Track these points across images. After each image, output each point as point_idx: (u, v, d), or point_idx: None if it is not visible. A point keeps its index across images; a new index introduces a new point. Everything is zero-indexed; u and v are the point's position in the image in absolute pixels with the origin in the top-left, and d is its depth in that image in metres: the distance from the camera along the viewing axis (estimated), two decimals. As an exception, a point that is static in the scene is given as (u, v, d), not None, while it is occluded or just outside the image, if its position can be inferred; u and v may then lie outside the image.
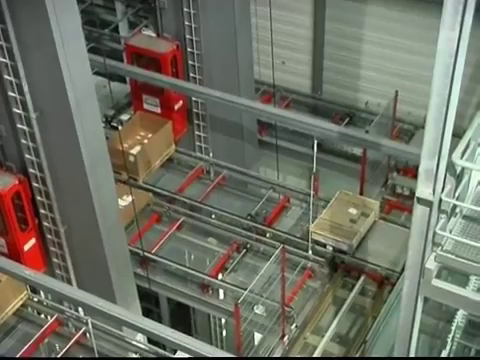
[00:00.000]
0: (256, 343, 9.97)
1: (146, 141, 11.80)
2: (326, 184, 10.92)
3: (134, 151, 11.49)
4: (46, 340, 9.24)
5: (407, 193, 10.70)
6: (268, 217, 10.90)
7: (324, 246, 9.96)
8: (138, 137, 11.94)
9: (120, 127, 11.94)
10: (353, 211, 10.18)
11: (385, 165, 11.17)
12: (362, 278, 9.78)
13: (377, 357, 8.91)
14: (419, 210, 5.44)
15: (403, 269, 8.88)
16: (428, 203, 5.34)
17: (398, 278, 9.34)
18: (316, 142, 9.64)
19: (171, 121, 11.71)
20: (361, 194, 10.47)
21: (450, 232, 5.58)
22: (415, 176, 10.35)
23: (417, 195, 5.35)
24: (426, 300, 6.05)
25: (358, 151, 11.19)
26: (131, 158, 11.22)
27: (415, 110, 11.75)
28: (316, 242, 9.99)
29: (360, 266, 9.83)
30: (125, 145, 11.50)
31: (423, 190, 5.31)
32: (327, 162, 11.72)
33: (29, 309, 9.49)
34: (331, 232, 9.94)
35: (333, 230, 9.93)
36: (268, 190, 11.38)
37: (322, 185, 10.63)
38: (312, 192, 9.87)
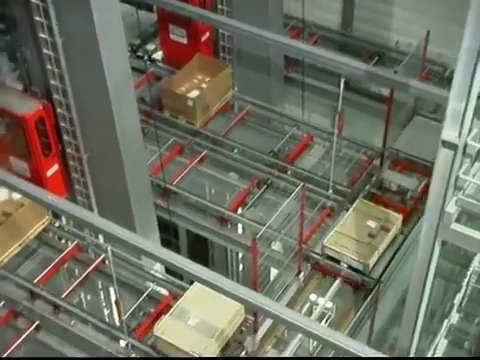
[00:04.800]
0: (272, 278, 10.09)
1: (205, 85, 11.50)
2: (351, 124, 10.79)
3: (192, 95, 11.21)
4: (66, 265, 9.42)
5: (394, 188, 9.98)
6: (290, 154, 10.86)
7: (338, 262, 9.00)
8: (196, 81, 11.64)
9: (145, 57, 11.82)
10: (372, 224, 9.14)
11: (411, 107, 11.01)
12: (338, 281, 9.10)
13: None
14: (443, 153, 5.38)
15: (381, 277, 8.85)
16: (453, 146, 5.27)
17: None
18: (343, 80, 9.47)
19: (227, 65, 11.47)
20: (385, 135, 10.29)
21: (473, 177, 5.52)
22: (405, 169, 9.85)
23: (442, 138, 5.29)
24: (444, 244, 6.05)
25: (385, 91, 11.00)
26: (190, 102, 11.02)
27: (446, 51, 11.48)
28: (329, 257, 9.07)
29: (336, 270, 9.11)
30: (182, 88, 11.38)
31: (449, 133, 5.23)
32: (353, 101, 11.53)
33: (50, 234, 9.64)
34: (346, 248, 8.93)
35: (349, 246, 8.94)
36: (292, 127, 11.29)
37: (347, 124, 10.50)
38: (336, 131, 9.76)
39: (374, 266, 8.90)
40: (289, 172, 10.49)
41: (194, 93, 11.32)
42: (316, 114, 12.80)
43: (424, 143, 10.25)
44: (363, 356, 6.28)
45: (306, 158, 10.97)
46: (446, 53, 11.55)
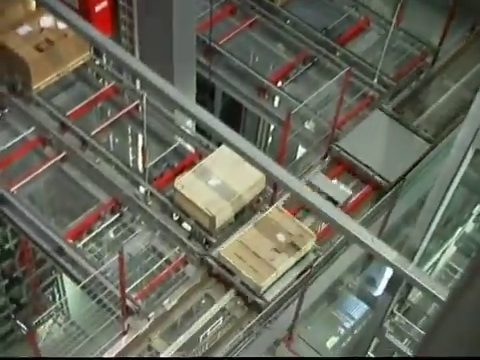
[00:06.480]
0: (298, 156, 10.12)
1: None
2: (410, 15, 10.36)
3: None
4: (100, 104, 9.46)
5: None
6: (343, 36, 10.53)
7: (233, 274, 7.69)
8: None
9: None
10: (281, 237, 7.75)
11: (477, 8, 10.48)
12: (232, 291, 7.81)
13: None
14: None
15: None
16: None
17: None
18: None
19: None
20: (444, 34, 9.85)
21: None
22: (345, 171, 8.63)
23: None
24: (477, 153, 5.95)
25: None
26: None
27: None
28: (224, 267, 7.73)
29: (229, 281, 7.79)
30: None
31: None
32: (418, -7, 11.03)
33: (89, 70, 9.59)
34: (243, 262, 7.59)
35: (247, 259, 7.58)
36: (351, 8, 10.89)
37: (407, 16, 10.11)
38: (394, 20, 9.39)
39: (269, 288, 7.58)
40: (338, 53, 10.20)
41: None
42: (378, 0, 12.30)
43: (374, 145, 8.88)
44: (372, 246, 6.37)
45: (358, 43, 10.63)
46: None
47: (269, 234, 7.81)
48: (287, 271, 7.71)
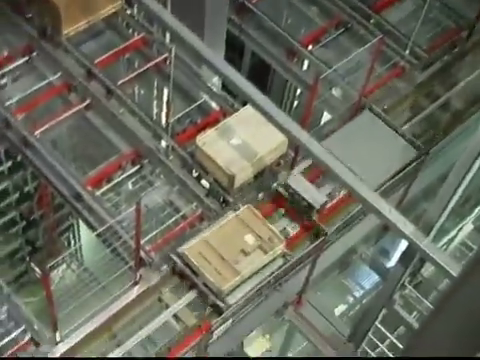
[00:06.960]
0: (322, 122, 10.05)
1: None
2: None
3: None
4: (128, 55, 9.41)
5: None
6: (378, 3, 10.32)
7: (196, 275, 7.42)
8: None
9: None
10: (250, 239, 7.45)
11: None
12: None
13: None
14: None
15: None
16: None
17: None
18: None
19: None
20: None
21: None
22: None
23: None
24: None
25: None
26: None
27: None
28: (188, 266, 7.43)
29: (192, 281, 7.52)
30: None
31: None
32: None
33: (119, 19, 9.52)
34: (207, 263, 7.30)
35: (211, 260, 7.30)
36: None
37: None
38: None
39: (231, 292, 7.33)
40: (372, 21, 10.02)
41: None
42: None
43: (358, 148, 8.35)
44: (389, 218, 6.35)
45: (393, 12, 10.43)
46: None
47: (237, 235, 7.48)
48: (252, 275, 7.43)
